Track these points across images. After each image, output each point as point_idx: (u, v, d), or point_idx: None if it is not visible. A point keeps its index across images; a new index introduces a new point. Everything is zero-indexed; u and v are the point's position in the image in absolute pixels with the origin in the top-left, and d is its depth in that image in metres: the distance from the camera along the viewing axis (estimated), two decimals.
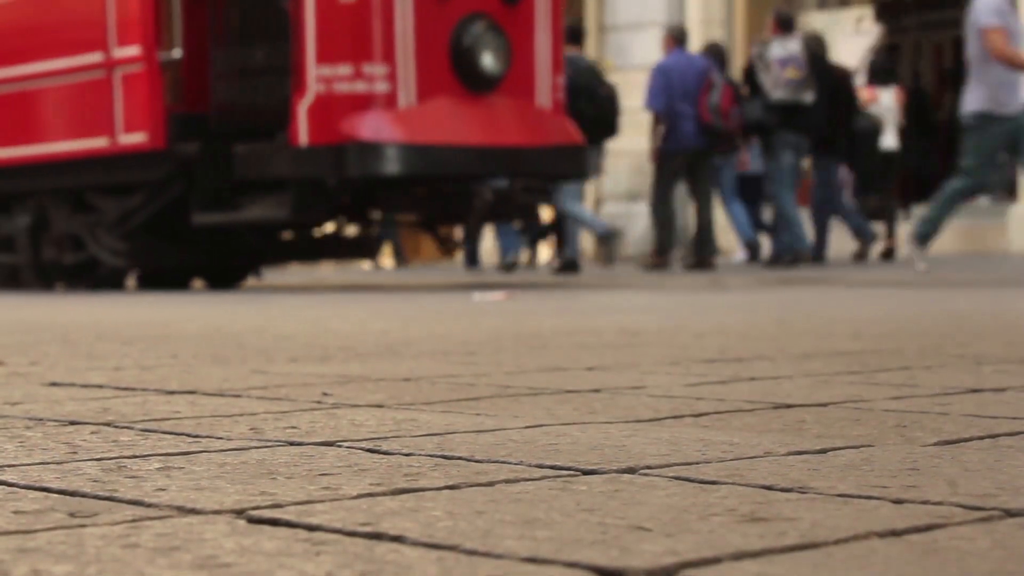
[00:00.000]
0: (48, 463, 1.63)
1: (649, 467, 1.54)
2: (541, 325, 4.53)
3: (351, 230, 11.82)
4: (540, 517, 1.24)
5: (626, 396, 2.32)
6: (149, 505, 1.34)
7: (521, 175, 9.79)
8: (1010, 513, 1.24)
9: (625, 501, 1.32)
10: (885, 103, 14.00)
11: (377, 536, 1.17)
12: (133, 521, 1.26)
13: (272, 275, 13.29)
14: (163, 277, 10.96)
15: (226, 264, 11.26)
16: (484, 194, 9.73)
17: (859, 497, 1.33)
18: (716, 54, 13.80)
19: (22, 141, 10.95)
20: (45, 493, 1.42)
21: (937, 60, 19.49)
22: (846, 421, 1.95)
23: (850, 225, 13.84)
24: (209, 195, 9.78)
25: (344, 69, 9.28)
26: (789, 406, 2.14)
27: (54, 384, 2.67)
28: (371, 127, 9.14)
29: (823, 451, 1.65)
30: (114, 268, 10.61)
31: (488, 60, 9.32)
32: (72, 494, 1.41)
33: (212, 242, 10.55)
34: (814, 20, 18.70)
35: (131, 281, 11.08)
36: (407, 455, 1.66)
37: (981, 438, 1.76)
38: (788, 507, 1.28)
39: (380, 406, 2.21)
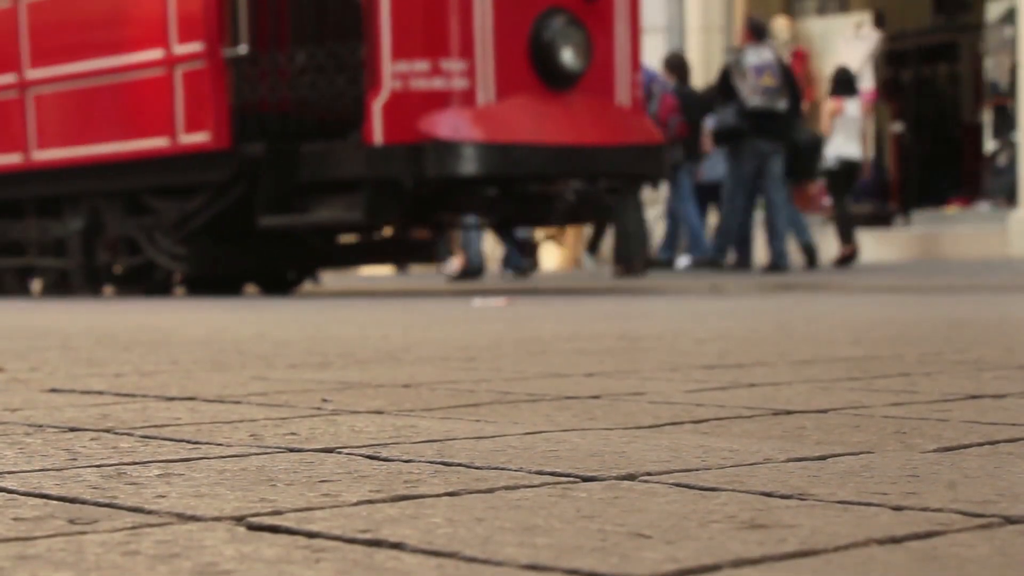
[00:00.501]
0: (48, 470, 1.63)
1: (649, 474, 1.54)
2: (541, 331, 4.52)
3: (416, 233, 11.30)
4: (540, 524, 1.24)
5: (626, 402, 2.32)
6: (149, 512, 1.34)
7: (602, 176, 9.39)
8: (1010, 520, 1.24)
9: (625, 508, 1.32)
10: (851, 113, 14.07)
11: (377, 543, 1.17)
12: (133, 528, 1.26)
13: (328, 279, 12.89)
14: (213, 282, 10.50)
15: (282, 268, 10.82)
16: (566, 195, 9.37)
17: (859, 504, 1.33)
18: (675, 65, 13.95)
19: (75, 142, 10.50)
20: (45, 500, 1.42)
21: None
22: (846, 427, 1.95)
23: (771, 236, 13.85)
24: (275, 197, 9.37)
25: (421, 65, 8.91)
26: (789, 412, 2.14)
27: (54, 390, 2.67)
28: (450, 125, 8.76)
29: (823, 458, 1.65)
30: (170, 272, 10.19)
31: (568, 56, 8.98)
32: (72, 501, 1.41)
33: (266, 246, 10.14)
34: (813, 25, 18.71)
35: (178, 287, 10.70)
36: (407, 462, 1.66)
37: (981, 444, 1.76)
38: (788, 514, 1.28)
39: (380, 412, 2.21)
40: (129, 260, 10.33)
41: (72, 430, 2.03)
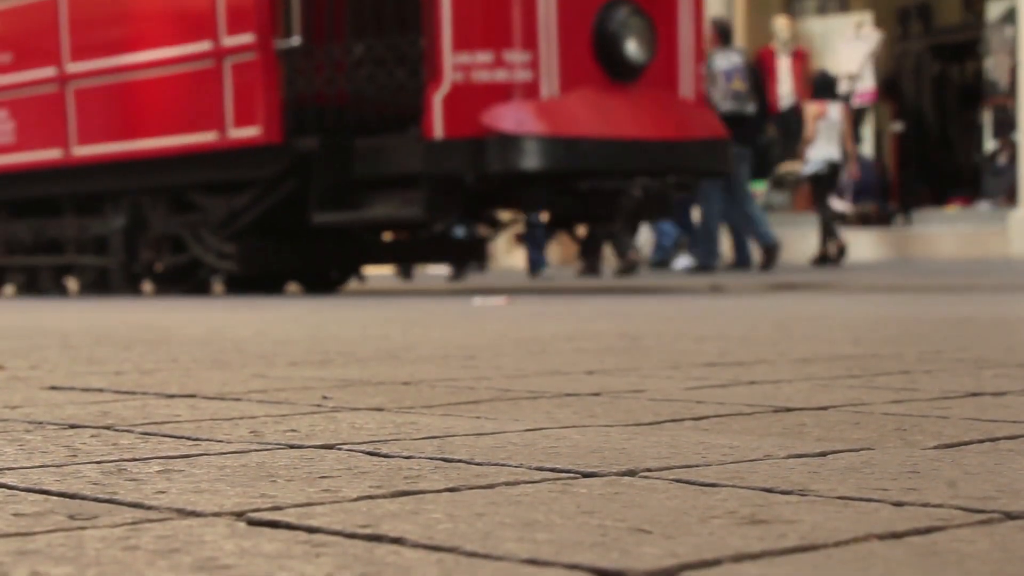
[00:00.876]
0: (48, 466, 1.63)
1: (649, 470, 1.54)
2: (541, 329, 4.52)
3: (479, 230, 10.88)
4: (540, 519, 1.24)
5: (626, 399, 2.32)
6: (149, 507, 1.34)
7: (669, 172, 9.03)
8: (1010, 516, 1.24)
9: (625, 503, 1.32)
10: (833, 117, 14.11)
11: (377, 538, 1.17)
12: (133, 523, 1.26)
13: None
14: (253, 281, 10.10)
15: (328, 267, 10.43)
16: (633, 191, 9.02)
17: (859, 500, 1.33)
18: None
19: (117, 137, 10.10)
20: (45, 496, 1.42)
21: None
22: (846, 424, 1.95)
23: (734, 238, 13.84)
24: (329, 193, 8.98)
25: (483, 56, 8.54)
26: (789, 410, 2.14)
27: (54, 388, 2.67)
28: (513, 119, 8.40)
29: (823, 454, 1.65)
30: (214, 271, 9.83)
31: (633, 47, 8.67)
32: (72, 497, 1.41)
33: (311, 243, 9.77)
34: (813, 25, 18.71)
35: (217, 285, 10.36)
36: (407, 458, 1.66)
37: (981, 441, 1.76)
38: (788, 509, 1.28)
39: (380, 409, 2.21)
40: (173, 258, 10.02)
41: (72, 427, 2.03)
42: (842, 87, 15.97)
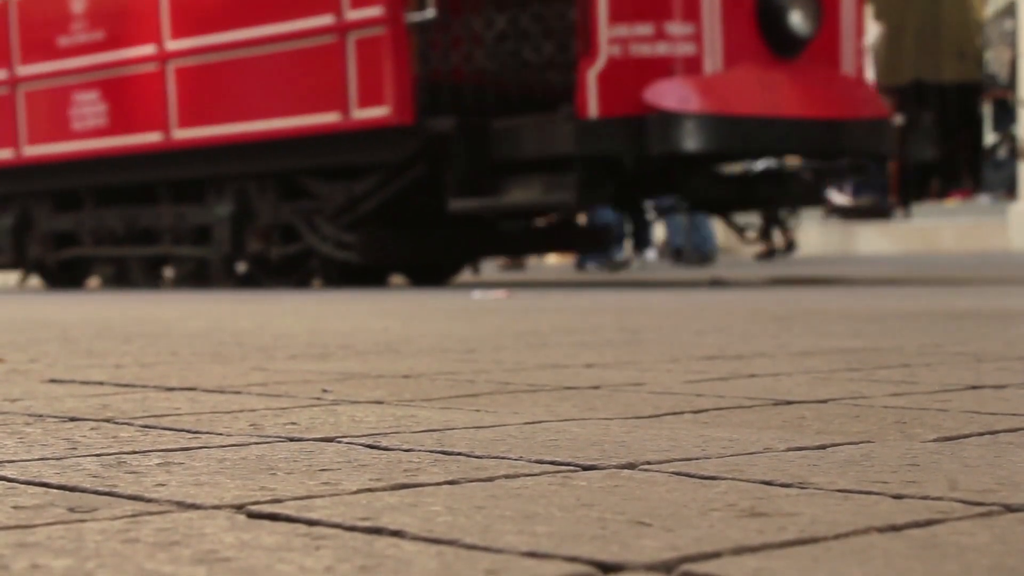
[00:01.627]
0: (48, 459, 1.63)
1: (649, 462, 1.54)
2: (541, 323, 4.52)
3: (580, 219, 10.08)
4: (540, 512, 1.24)
5: (626, 393, 2.32)
6: (149, 500, 1.34)
7: (835, 153, 8.47)
8: (1010, 508, 1.24)
9: (625, 496, 1.32)
10: None
11: (377, 531, 1.17)
12: (133, 516, 1.26)
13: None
14: (355, 272, 9.37)
15: (453, 257, 9.77)
16: (803, 173, 8.56)
17: (859, 492, 1.33)
18: None
19: (223, 119, 9.38)
20: (45, 488, 1.42)
21: None
22: (846, 417, 1.95)
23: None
24: (466, 178, 8.31)
25: (643, 29, 7.91)
26: (789, 403, 2.14)
27: (54, 381, 2.67)
28: (676, 96, 7.78)
29: (823, 447, 1.65)
30: (329, 261, 9.10)
31: (798, 19, 8.11)
32: (72, 489, 1.41)
33: (423, 232, 9.11)
34: None
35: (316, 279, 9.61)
36: (407, 451, 1.66)
37: (981, 434, 1.76)
38: (788, 502, 1.28)
39: (380, 402, 2.21)
40: (283, 248, 9.35)
41: (72, 420, 2.03)
42: None
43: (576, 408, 2.11)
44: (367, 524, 1.20)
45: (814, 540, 1.11)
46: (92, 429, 1.91)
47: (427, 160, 8.56)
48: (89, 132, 10.30)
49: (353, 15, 8.62)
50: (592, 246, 11.04)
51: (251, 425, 1.94)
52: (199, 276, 9.98)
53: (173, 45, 9.71)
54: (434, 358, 3.11)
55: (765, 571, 1.01)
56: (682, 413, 2.03)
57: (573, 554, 1.07)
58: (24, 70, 10.73)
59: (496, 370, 2.78)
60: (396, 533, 1.16)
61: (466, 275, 10.64)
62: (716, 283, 8.97)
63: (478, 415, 2.02)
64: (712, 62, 7.96)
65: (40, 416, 2.08)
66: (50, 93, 10.57)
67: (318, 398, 2.29)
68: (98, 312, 6.00)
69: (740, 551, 1.07)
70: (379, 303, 6.53)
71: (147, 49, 9.87)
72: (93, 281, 11.15)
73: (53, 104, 10.56)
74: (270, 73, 9.14)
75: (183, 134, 9.69)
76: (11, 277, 12.90)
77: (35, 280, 11.88)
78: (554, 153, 8.00)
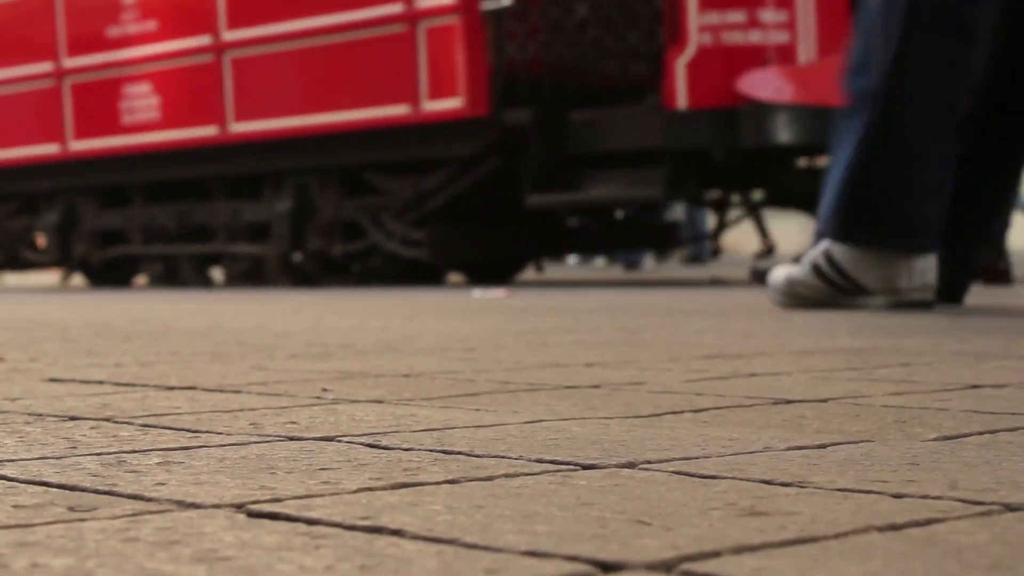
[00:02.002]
0: (48, 458, 1.63)
1: (649, 462, 1.54)
2: (541, 322, 4.52)
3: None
4: (540, 511, 1.24)
5: (625, 392, 2.32)
6: (149, 499, 1.34)
7: None
8: (1010, 508, 1.24)
9: (625, 495, 1.32)
10: None
11: (377, 530, 1.17)
12: (133, 515, 1.26)
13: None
14: (406, 272, 9.02)
15: (508, 254, 9.38)
16: None
17: (859, 491, 1.33)
18: None
19: (283, 112, 9.07)
20: (45, 487, 1.42)
21: None
22: (846, 417, 1.95)
23: None
24: (545, 172, 8.02)
25: (735, 16, 7.63)
26: (789, 402, 2.14)
27: (54, 380, 2.67)
28: (771, 86, 7.51)
29: (823, 446, 1.65)
30: (394, 259, 8.76)
31: None
32: (72, 488, 1.41)
33: (489, 228, 8.79)
34: None
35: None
36: (407, 450, 1.66)
37: (980, 433, 1.76)
38: (787, 501, 1.28)
39: (380, 402, 2.21)
40: (346, 246, 9.07)
41: (72, 419, 2.03)
42: None
43: (576, 407, 2.11)
44: (367, 523, 1.20)
45: (814, 539, 1.11)
46: (92, 428, 1.91)
47: (501, 154, 8.29)
48: (140, 126, 10.01)
49: (424, 3, 8.33)
50: (665, 243, 10.78)
51: (251, 424, 1.94)
52: (252, 275, 9.68)
53: (230, 35, 9.42)
54: (434, 357, 3.11)
55: (765, 570, 1.01)
56: (682, 412, 2.03)
57: (573, 553, 1.07)
58: (71, 62, 10.42)
59: (496, 369, 2.78)
60: (396, 532, 1.16)
61: (529, 273, 10.28)
62: (716, 282, 8.98)
63: (478, 414, 2.02)
64: (806, 51, 7.69)
65: (40, 415, 2.08)
66: (98, 86, 10.26)
67: (318, 397, 2.29)
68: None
69: (740, 550, 1.07)
70: (379, 302, 6.53)
71: (202, 39, 9.58)
72: (140, 280, 10.86)
73: (102, 97, 10.24)
74: (333, 64, 8.82)
75: (240, 127, 9.43)
76: (47, 277, 12.61)
77: (78, 279, 11.55)
78: (638, 146, 7.76)
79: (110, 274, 10.98)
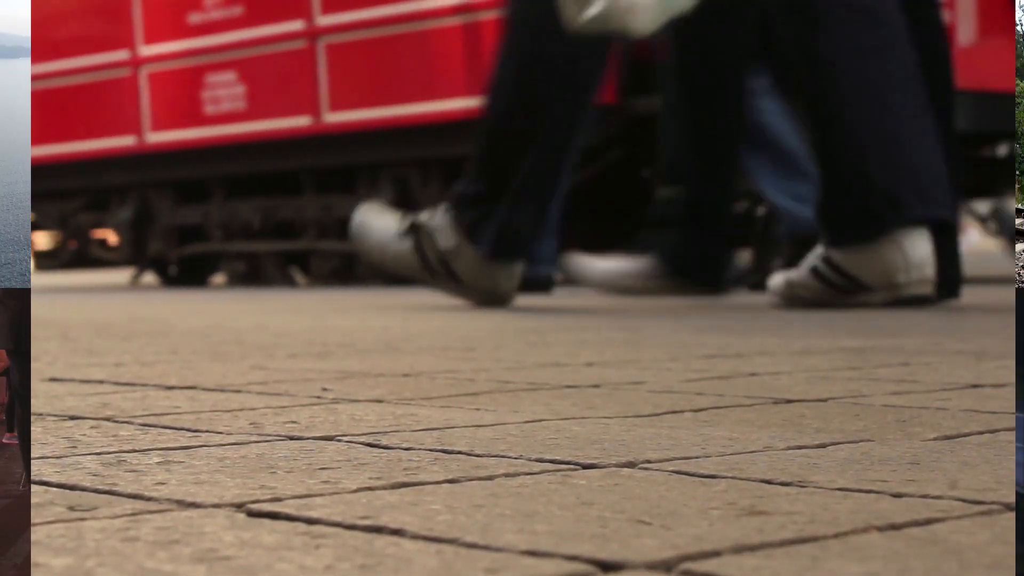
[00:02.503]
0: (48, 457, 1.63)
1: (648, 461, 1.54)
2: (541, 321, 4.52)
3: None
4: (539, 511, 1.24)
5: (625, 391, 2.32)
6: (149, 499, 1.34)
7: None
8: (1009, 507, 1.24)
9: (625, 495, 1.32)
10: None
11: (377, 529, 1.17)
12: (133, 515, 1.26)
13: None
14: None
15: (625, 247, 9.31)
16: None
17: (859, 491, 1.33)
18: None
19: (382, 101, 8.64)
20: (45, 487, 1.42)
21: None
22: (846, 416, 1.95)
23: None
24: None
25: None
26: (789, 401, 2.14)
27: (54, 379, 2.67)
28: None
29: (822, 445, 1.65)
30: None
31: None
32: (72, 488, 1.41)
33: (614, 220, 8.41)
34: None
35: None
36: (406, 449, 1.66)
37: (981, 433, 1.76)
38: (787, 501, 1.28)
39: (380, 401, 2.21)
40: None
41: (72, 418, 2.03)
42: None
43: (576, 407, 2.11)
44: (367, 523, 1.20)
45: (813, 539, 1.11)
46: (92, 428, 1.91)
47: (625, 144, 8.07)
48: (224, 116, 9.60)
49: None
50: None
51: (251, 424, 1.94)
52: (341, 273, 9.34)
53: (324, 20, 9.04)
54: (434, 356, 3.11)
55: (764, 569, 1.01)
56: (682, 412, 2.03)
57: (573, 552, 1.07)
58: (148, 50, 10.01)
59: (496, 368, 2.78)
60: (396, 532, 1.16)
61: None
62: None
63: (478, 413, 2.02)
64: (966, 32, 7.41)
65: (40, 415, 2.08)
66: (179, 75, 9.87)
67: (318, 397, 2.29)
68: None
69: (740, 549, 1.08)
70: (378, 300, 6.53)
71: (294, 25, 9.20)
72: (219, 279, 10.49)
73: (182, 87, 9.85)
74: (436, 50, 8.46)
75: (335, 118, 9.05)
76: (117, 275, 12.02)
77: (149, 278, 11.05)
78: None
79: (185, 273, 10.58)
